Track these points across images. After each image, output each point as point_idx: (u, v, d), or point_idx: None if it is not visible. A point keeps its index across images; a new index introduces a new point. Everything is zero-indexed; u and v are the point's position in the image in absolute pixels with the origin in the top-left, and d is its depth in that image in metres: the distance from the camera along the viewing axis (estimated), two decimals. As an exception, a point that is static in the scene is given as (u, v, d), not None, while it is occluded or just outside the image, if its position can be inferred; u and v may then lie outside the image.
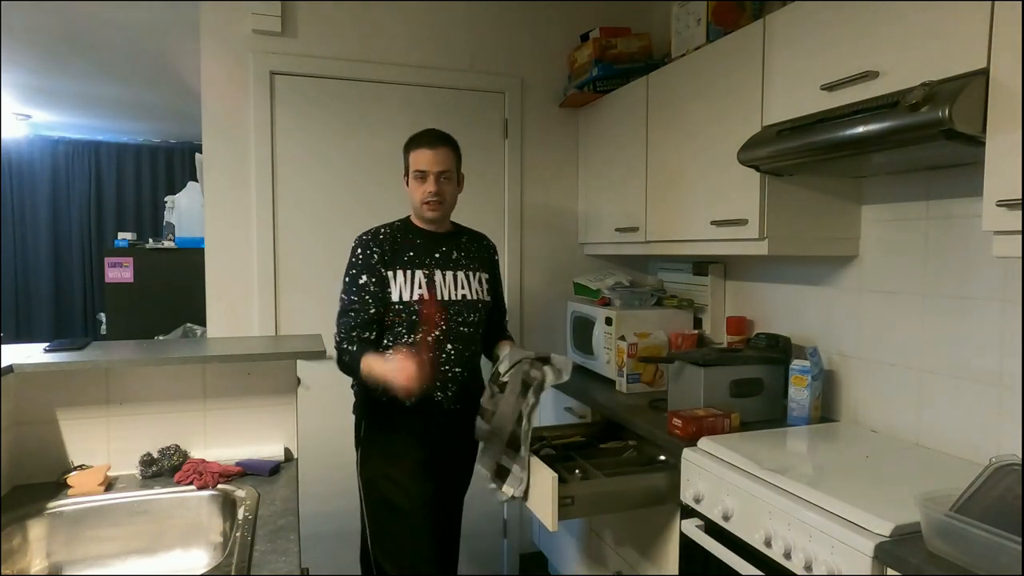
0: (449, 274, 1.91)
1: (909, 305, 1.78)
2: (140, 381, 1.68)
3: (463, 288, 1.92)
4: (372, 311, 1.84)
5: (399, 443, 1.88)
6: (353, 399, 2.00)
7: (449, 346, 1.89)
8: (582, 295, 2.84)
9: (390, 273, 1.86)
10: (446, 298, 1.89)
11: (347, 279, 1.88)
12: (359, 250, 1.88)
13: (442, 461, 1.93)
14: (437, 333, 1.87)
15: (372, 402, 1.88)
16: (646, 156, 2.43)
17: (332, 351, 1.84)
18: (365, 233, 1.92)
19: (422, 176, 1.86)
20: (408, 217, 1.97)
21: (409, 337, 1.85)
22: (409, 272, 1.87)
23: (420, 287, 1.86)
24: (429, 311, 1.86)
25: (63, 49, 3.52)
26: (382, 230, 1.92)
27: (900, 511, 1.24)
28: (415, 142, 1.89)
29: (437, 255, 1.92)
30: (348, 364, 1.83)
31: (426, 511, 1.86)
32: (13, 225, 5.90)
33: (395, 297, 1.85)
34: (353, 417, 1.99)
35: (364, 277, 1.85)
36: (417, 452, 1.88)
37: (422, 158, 1.85)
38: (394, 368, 1.69)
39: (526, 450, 1.78)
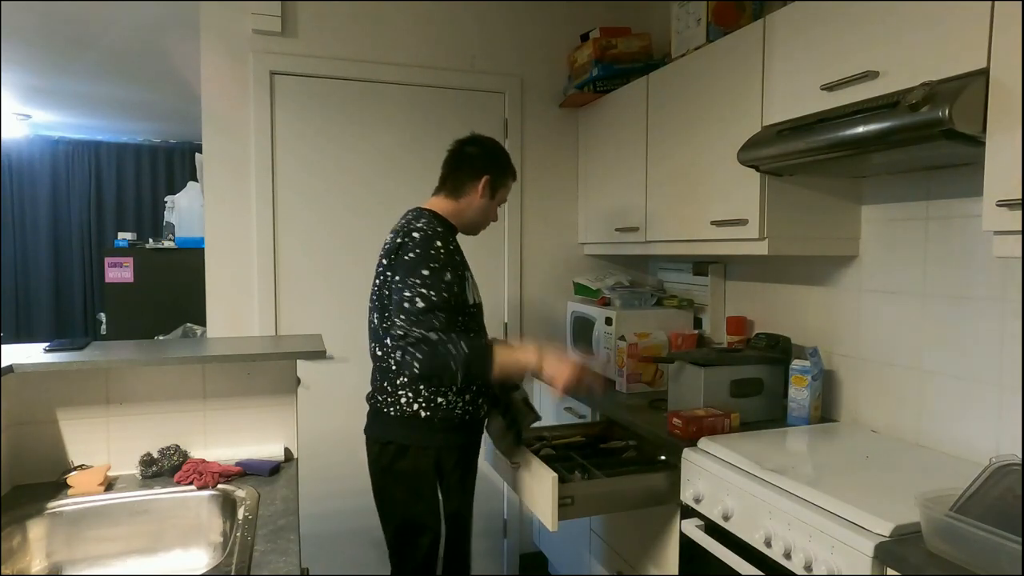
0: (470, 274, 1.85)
1: (909, 305, 1.78)
2: (140, 381, 1.68)
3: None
4: (454, 315, 1.66)
5: (470, 462, 1.84)
6: (425, 413, 1.69)
7: None
8: (582, 295, 2.84)
9: (467, 272, 1.75)
10: (479, 301, 1.84)
11: (426, 272, 1.61)
12: (438, 243, 1.65)
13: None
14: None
15: (463, 417, 1.75)
16: (646, 156, 2.43)
17: (414, 351, 1.59)
18: (436, 223, 1.71)
19: (502, 203, 1.91)
20: (433, 211, 1.78)
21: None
22: (470, 273, 1.78)
23: (476, 288, 1.81)
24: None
25: (63, 49, 3.52)
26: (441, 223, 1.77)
27: (900, 511, 1.24)
28: (513, 175, 1.91)
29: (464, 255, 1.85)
30: (466, 359, 1.57)
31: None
32: (13, 225, 5.89)
33: (471, 300, 1.74)
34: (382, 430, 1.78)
35: (448, 275, 1.64)
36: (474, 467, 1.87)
37: (510, 189, 1.90)
38: (556, 358, 1.65)
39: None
